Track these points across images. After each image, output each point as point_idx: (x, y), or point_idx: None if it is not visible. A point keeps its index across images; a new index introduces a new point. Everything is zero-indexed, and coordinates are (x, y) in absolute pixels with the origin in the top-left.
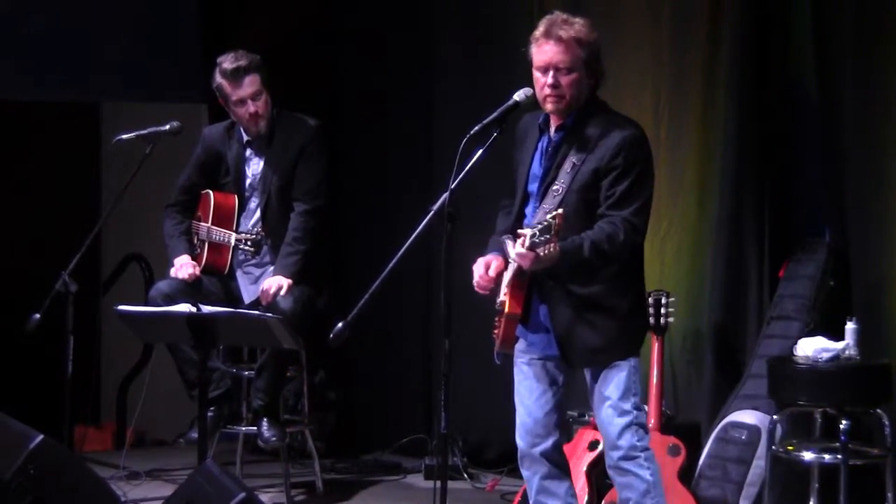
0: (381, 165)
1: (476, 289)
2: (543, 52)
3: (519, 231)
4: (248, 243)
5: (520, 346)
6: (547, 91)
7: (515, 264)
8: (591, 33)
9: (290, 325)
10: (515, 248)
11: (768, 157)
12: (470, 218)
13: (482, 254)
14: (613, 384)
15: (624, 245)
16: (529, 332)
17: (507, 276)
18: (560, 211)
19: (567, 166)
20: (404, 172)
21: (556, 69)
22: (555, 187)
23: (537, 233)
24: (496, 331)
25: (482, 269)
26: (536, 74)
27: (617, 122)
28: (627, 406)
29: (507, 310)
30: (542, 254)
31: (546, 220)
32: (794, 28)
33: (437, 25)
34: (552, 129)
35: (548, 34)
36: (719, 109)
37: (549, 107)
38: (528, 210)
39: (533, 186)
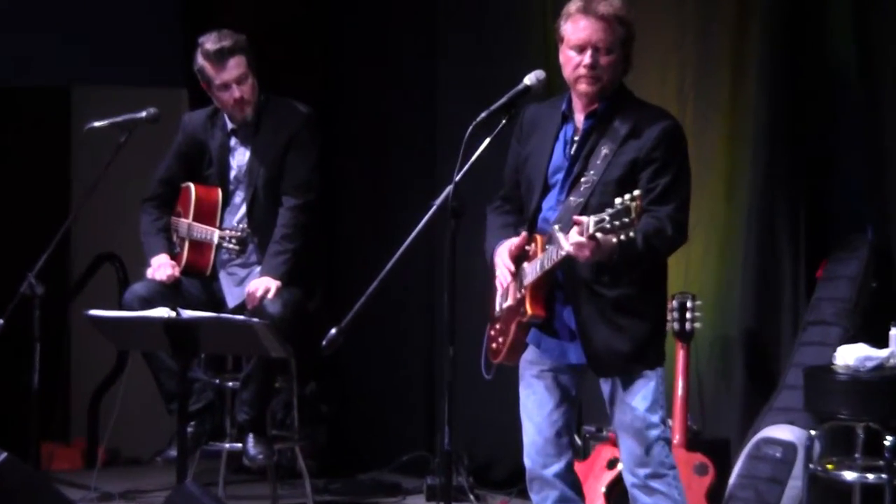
0: (379, 156)
1: (499, 278)
2: (580, 29)
3: (576, 218)
4: (233, 241)
5: (528, 355)
6: (582, 71)
7: (539, 264)
8: (631, 11)
9: (279, 332)
10: (571, 238)
11: (804, 146)
12: (476, 214)
13: (484, 262)
14: (641, 395)
15: (672, 242)
16: (546, 336)
17: (525, 276)
18: (638, 192)
19: (598, 156)
20: (404, 164)
21: (595, 49)
22: (584, 179)
23: (608, 217)
24: (499, 339)
25: (506, 252)
26: (570, 54)
27: (652, 111)
28: (655, 419)
29: (529, 312)
30: (607, 243)
31: (623, 202)
32: (832, 9)
33: (442, 6)
34: (578, 117)
35: (586, 10)
36: (749, 96)
37: (582, 87)
38: (548, 203)
39: (556, 178)
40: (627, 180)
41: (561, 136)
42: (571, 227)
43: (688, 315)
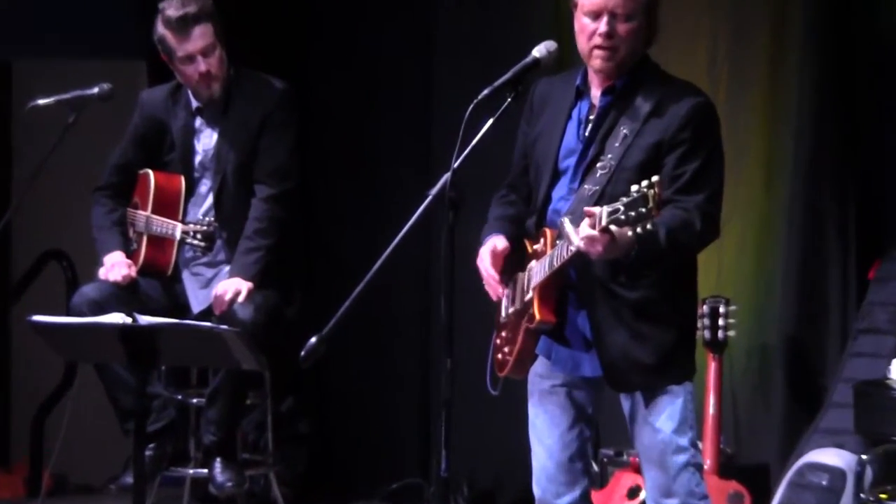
0: (367, 140)
1: (487, 288)
2: None
3: (587, 209)
4: (198, 237)
5: (537, 368)
6: (597, 41)
7: (547, 262)
8: None
9: (251, 340)
10: (582, 231)
11: (854, 129)
12: (477, 205)
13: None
14: (666, 414)
15: (701, 238)
16: (558, 345)
17: (533, 275)
18: (657, 178)
19: (617, 138)
20: (395, 149)
21: (612, 15)
22: (601, 164)
23: (622, 208)
24: (505, 349)
25: (489, 258)
26: (584, 21)
27: (680, 87)
28: (684, 442)
29: (537, 317)
30: (623, 237)
31: (640, 190)
32: None
33: None
34: (595, 93)
35: None
36: (792, 70)
37: (597, 62)
38: (558, 192)
39: (568, 162)
40: (650, 166)
41: (574, 114)
42: (583, 220)
43: (720, 322)
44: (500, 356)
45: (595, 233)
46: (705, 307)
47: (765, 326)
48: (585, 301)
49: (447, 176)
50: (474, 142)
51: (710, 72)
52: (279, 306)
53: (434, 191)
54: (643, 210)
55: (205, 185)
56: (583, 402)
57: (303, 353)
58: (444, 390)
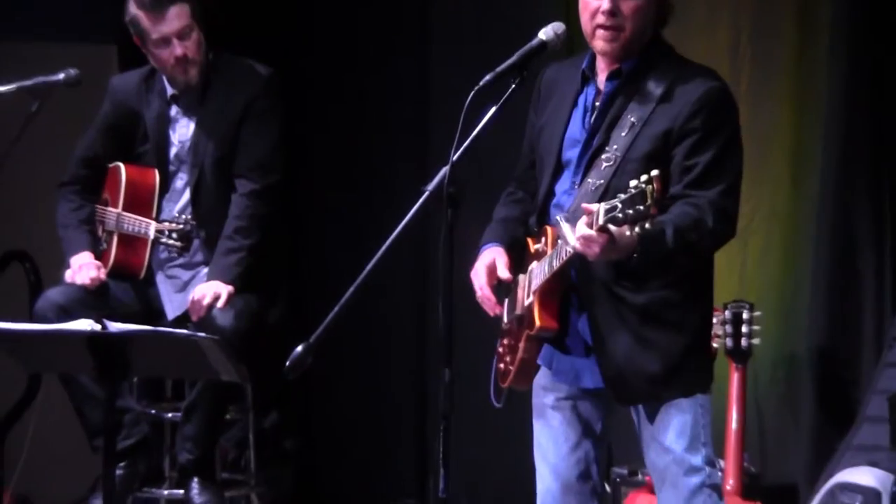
0: (359, 130)
1: (482, 304)
2: None
3: (585, 206)
4: (174, 236)
5: (540, 379)
6: (600, 20)
7: (547, 263)
8: None
9: (231, 349)
10: (578, 230)
11: (889, 118)
12: (479, 202)
13: (477, 255)
14: (675, 430)
15: (714, 236)
16: (559, 354)
17: (534, 278)
18: (657, 173)
19: (623, 127)
20: (390, 140)
21: None
22: (606, 155)
23: (620, 205)
24: (507, 358)
25: (485, 275)
26: None
27: (692, 70)
28: (697, 460)
29: (538, 323)
30: (622, 237)
31: (638, 185)
32: None
33: None
34: (601, 78)
35: None
36: (820, 55)
37: (599, 44)
38: (561, 186)
39: (571, 154)
40: (659, 157)
41: (581, 101)
42: (582, 217)
43: (744, 329)
44: (502, 366)
45: (592, 232)
46: (727, 313)
47: (792, 334)
48: (587, 304)
49: (445, 170)
50: (475, 132)
51: (732, 57)
52: (262, 312)
53: (431, 186)
54: (640, 208)
55: (181, 180)
56: (590, 416)
57: (288, 363)
58: (442, 403)
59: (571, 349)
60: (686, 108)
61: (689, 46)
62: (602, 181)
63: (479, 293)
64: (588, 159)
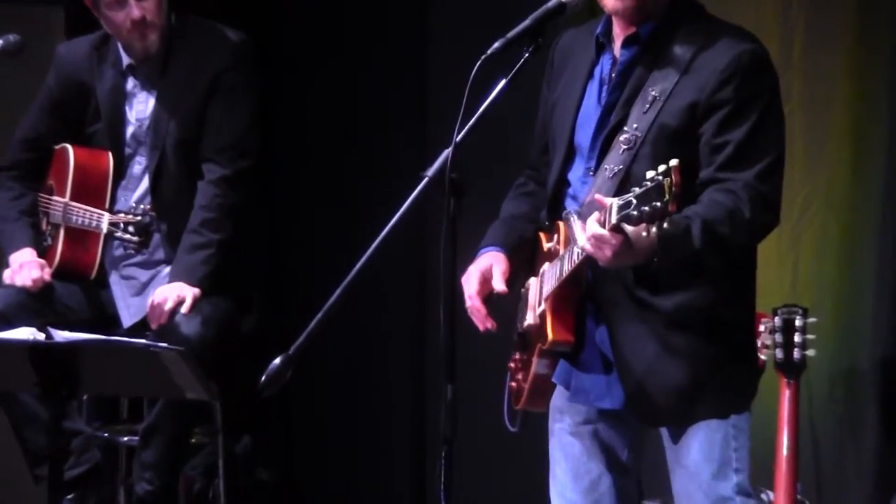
0: (348, 109)
1: (471, 316)
2: None
3: (598, 197)
4: (130, 229)
5: (556, 400)
6: None
7: (559, 265)
8: None
9: (197, 362)
10: (589, 229)
11: None
12: (486, 189)
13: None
14: (701, 452)
15: (751, 228)
16: (576, 371)
17: (545, 282)
18: (676, 162)
19: (644, 102)
20: (384, 119)
21: None
22: (624, 136)
23: (634, 201)
24: (519, 375)
25: (477, 283)
26: None
27: (724, 31)
28: (726, 489)
29: (550, 336)
30: (639, 237)
31: (653, 179)
32: None
33: None
34: (617, 44)
35: None
36: (882, 18)
37: (609, 2)
38: (575, 173)
39: (584, 135)
40: (686, 136)
41: (596, 72)
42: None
43: (796, 338)
44: (514, 384)
45: (604, 232)
46: (777, 320)
47: (853, 345)
48: (606, 312)
49: (447, 153)
50: (482, 109)
51: (783, 24)
52: (233, 318)
53: (431, 172)
54: (657, 205)
55: (139, 164)
56: (614, 443)
57: (264, 377)
58: (443, 425)
59: (589, 365)
60: (714, 76)
61: (734, 12)
62: (620, 167)
63: (467, 303)
64: (603, 141)
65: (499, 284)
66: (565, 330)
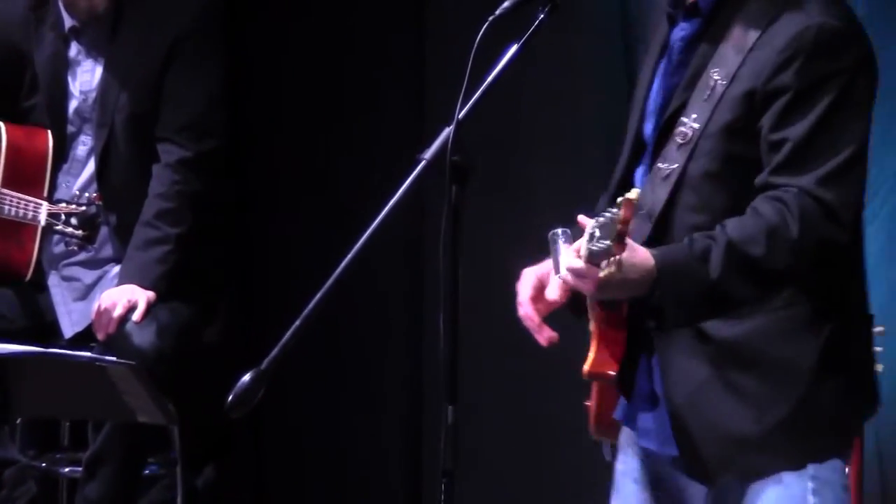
0: (331, 80)
1: (524, 321)
2: None
3: (580, 219)
4: (73, 222)
5: (624, 436)
6: None
7: None
8: None
9: (153, 379)
10: (565, 259)
11: None
12: (495, 174)
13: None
14: None
15: (800, 247)
16: (633, 407)
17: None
18: (633, 195)
19: (705, 87)
20: (374, 94)
21: None
22: (681, 128)
23: (597, 232)
24: (589, 399)
25: (530, 287)
26: None
27: (798, 1)
28: None
29: (587, 366)
30: (605, 273)
31: (609, 211)
32: None
33: None
34: (681, 19)
35: None
36: None
37: None
38: (639, 173)
39: (650, 126)
40: (746, 131)
41: (668, 53)
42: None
43: None
44: (587, 405)
45: (580, 264)
46: None
47: None
48: (660, 342)
49: (449, 131)
50: (489, 80)
51: None
52: (194, 327)
53: (429, 154)
54: (602, 245)
55: (83, 145)
56: (687, 496)
57: (231, 397)
58: (443, 454)
59: (653, 402)
60: (772, 57)
61: None
62: (676, 166)
63: (520, 310)
64: (660, 133)
65: (553, 292)
66: (609, 358)
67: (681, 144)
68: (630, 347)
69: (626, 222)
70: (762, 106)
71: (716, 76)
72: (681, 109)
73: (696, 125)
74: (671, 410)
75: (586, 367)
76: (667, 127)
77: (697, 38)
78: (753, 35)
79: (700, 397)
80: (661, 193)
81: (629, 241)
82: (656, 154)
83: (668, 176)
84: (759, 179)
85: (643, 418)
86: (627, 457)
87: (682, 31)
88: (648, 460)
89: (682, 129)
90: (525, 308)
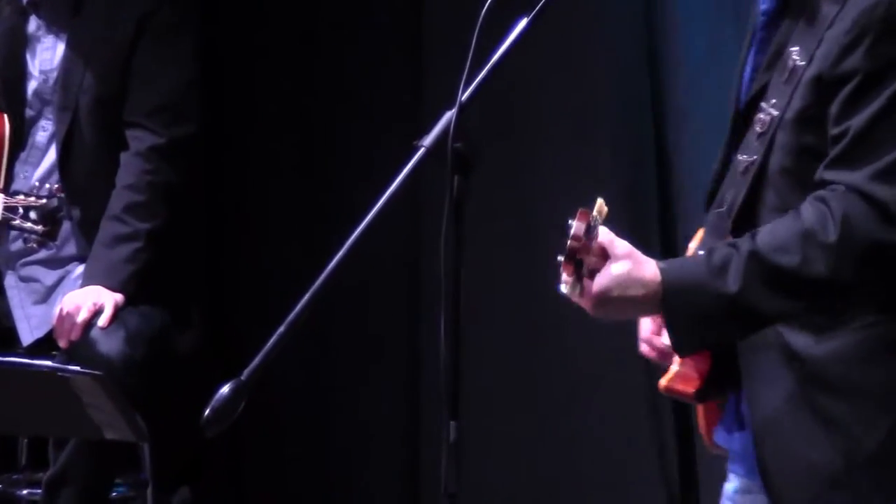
0: (318, 59)
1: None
2: None
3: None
4: (32, 216)
5: (730, 461)
6: None
7: None
8: None
9: (121, 391)
10: (562, 276)
11: None
12: (500, 163)
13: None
14: None
15: (838, 253)
16: (724, 427)
17: None
18: (596, 207)
19: (784, 69)
20: (366, 74)
21: None
22: (760, 114)
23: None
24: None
25: (652, 322)
26: None
27: None
28: None
29: (663, 380)
30: (633, 281)
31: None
32: None
33: None
34: None
35: None
36: None
37: None
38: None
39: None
40: (818, 120)
41: (759, 33)
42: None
43: None
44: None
45: (568, 286)
46: None
47: None
48: (743, 356)
49: (451, 115)
50: (495, 60)
51: None
52: (167, 334)
53: (429, 141)
54: (559, 259)
55: (44, 131)
56: None
57: (208, 411)
58: (444, 475)
59: (731, 418)
60: (840, 37)
61: None
62: (755, 158)
63: (640, 347)
64: (741, 120)
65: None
66: (687, 373)
67: (760, 134)
68: (717, 362)
69: (575, 238)
70: (830, 93)
71: (795, 56)
72: (762, 93)
73: (774, 112)
74: (756, 439)
75: (663, 381)
76: (747, 112)
77: (780, 12)
78: (833, 10)
79: (783, 421)
80: (740, 189)
81: (635, 253)
82: (737, 143)
83: (746, 169)
84: (817, 175)
85: (732, 440)
86: (729, 480)
87: (763, 3)
88: (742, 484)
89: (761, 115)
90: (652, 343)
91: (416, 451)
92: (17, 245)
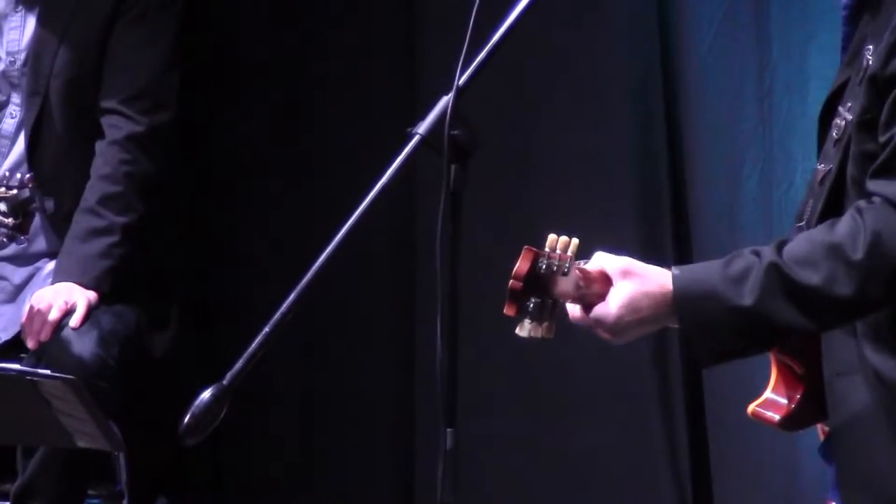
0: (307, 42)
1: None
2: None
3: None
4: (2, 207)
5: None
6: None
7: None
8: None
9: (94, 396)
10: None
11: None
12: (501, 152)
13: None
14: None
15: (864, 273)
16: (823, 455)
17: None
18: (549, 241)
19: (859, 68)
20: (358, 58)
21: None
22: (836, 119)
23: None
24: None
25: None
26: None
27: None
28: None
29: (751, 406)
30: (643, 296)
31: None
32: None
33: None
34: None
35: None
36: None
37: None
38: None
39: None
40: (876, 122)
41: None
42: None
43: None
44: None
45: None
46: None
47: None
48: (831, 380)
49: (448, 99)
50: (494, 41)
51: None
52: (143, 335)
53: (423, 128)
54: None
55: (12, 117)
56: None
57: (187, 418)
58: (441, 486)
59: (827, 446)
60: (890, 36)
61: None
62: (831, 167)
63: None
64: (822, 124)
65: None
66: (777, 400)
67: (836, 140)
68: (809, 388)
69: (516, 276)
70: (883, 95)
71: (868, 55)
72: (839, 94)
73: (848, 116)
74: (837, 468)
75: (751, 407)
76: (827, 117)
77: (860, 5)
78: None
79: (865, 449)
80: (818, 201)
81: (634, 268)
82: (821, 150)
83: (823, 179)
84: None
85: (830, 469)
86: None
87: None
88: None
89: (837, 120)
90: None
91: (411, 460)
92: None
